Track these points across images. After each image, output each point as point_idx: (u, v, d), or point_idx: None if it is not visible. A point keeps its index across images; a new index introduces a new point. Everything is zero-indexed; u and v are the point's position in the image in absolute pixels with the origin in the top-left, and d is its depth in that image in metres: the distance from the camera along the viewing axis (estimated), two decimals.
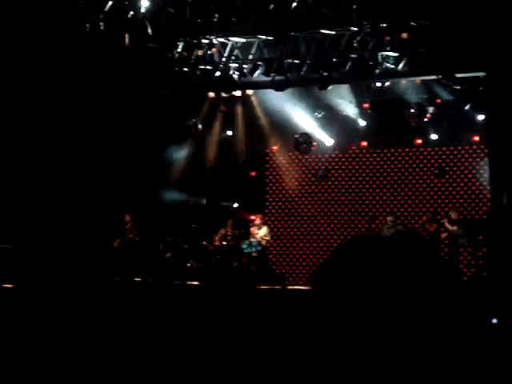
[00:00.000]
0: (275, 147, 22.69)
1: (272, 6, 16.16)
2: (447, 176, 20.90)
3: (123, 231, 19.54)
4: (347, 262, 1.37)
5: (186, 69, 17.64)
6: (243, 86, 18.44)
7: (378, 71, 16.63)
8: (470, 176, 20.74)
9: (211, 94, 20.33)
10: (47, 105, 17.51)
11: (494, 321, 16.96)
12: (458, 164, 20.91)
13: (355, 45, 16.59)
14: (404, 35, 16.14)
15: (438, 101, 19.88)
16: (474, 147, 20.76)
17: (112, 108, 18.49)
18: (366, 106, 20.74)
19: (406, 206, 21.27)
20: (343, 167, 22.11)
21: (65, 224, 17.87)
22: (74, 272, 16.03)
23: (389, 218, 19.68)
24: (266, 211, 22.40)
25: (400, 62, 16.26)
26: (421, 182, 21.23)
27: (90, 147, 18.63)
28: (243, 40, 17.43)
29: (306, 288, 18.02)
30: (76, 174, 18.65)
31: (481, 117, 19.23)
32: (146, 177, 20.68)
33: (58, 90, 17.61)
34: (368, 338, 1.30)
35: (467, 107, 17.77)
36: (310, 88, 19.56)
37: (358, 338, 1.31)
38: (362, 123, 21.19)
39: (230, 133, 22.27)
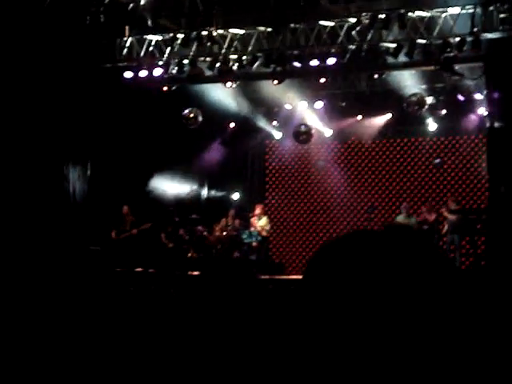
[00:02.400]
0: (275, 137, 22.78)
1: None
2: (446, 166, 20.98)
3: (121, 222, 19.43)
4: (340, 255, 1.39)
5: (185, 61, 17.69)
6: (243, 78, 18.48)
7: (376, 62, 16.72)
8: (468, 166, 20.82)
9: None
10: (43, 96, 17.49)
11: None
12: (457, 154, 20.99)
13: (354, 36, 16.66)
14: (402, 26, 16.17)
15: None
16: (473, 137, 20.83)
17: (109, 98, 18.49)
18: None
19: (404, 195, 21.35)
20: (342, 157, 22.19)
21: (61, 214, 17.89)
22: (72, 263, 16.09)
23: (403, 208, 19.68)
24: (266, 201, 22.49)
25: (398, 53, 16.31)
26: (419, 172, 21.31)
27: (89, 138, 18.65)
28: (242, 32, 17.48)
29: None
30: (73, 164, 18.68)
31: (481, 109, 19.34)
32: (145, 167, 20.68)
33: (56, 80, 17.61)
34: (360, 332, 1.32)
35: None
36: (309, 79, 19.62)
37: (350, 332, 1.33)
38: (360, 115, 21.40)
39: (232, 125, 22.32)
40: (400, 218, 19.33)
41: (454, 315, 1.36)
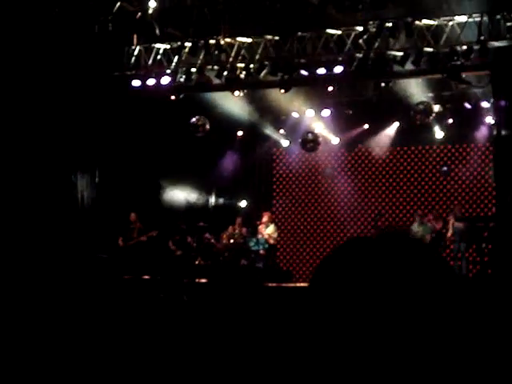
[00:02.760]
0: (283, 145, 22.84)
1: (278, 5, 16.27)
2: (453, 174, 20.98)
3: (128, 229, 19.48)
4: (345, 263, 1.42)
5: (193, 69, 17.76)
6: (250, 86, 18.54)
7: (383, 70, 16.75)
8: (475, 174, 20.82)
9: None
10: (52, 104, 17.57)
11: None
12: (464, 162, 20.99)
13: (361, 44, 16.70)
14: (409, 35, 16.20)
15: None
16: (480, 145, 20.83)
17: (118, 106, 18.58)
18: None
19: (411, 203, 21.36)
20: (349, 165, 22.22)
21: (69, 221, 17.94)
22: (80, 270, 16.13)
23: (416, 216, 19.65)
24: (273, 209, 22.52)
25: (405, 61, 16.34)
26: (426, 179, 21.32)
27: (97, 146, 18.73)
28: (250, 40, 17.54)
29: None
30: (82, 172, 18.76)
31: (488, 117, 19.37)
32: (153, 175, 20.74)
33: (65, 89, 17.69)
34: (365, 339, 1.35)
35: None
36: (316, 87, 19.67)
37: (355, 339, 1.36)
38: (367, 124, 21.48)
39: (240, 133, 22.44)
40: (414, 227, 19.30)
41: (455, 320, 1.39)
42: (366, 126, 21.60)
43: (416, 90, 19.23)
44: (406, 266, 1.40)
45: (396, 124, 21.28)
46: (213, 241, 20.26)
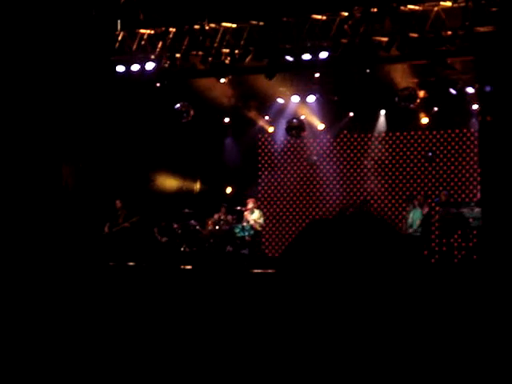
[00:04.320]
0: (268, 131, 22.80)
1: None
2: (438, 159, 21.02)
3: (114, 216, 19.45)
4: (310, 245, 1.45)
5: (177, 55, 17.67)
6: (235, 71, 18.45)
7: (369, 56, 16.71)
8: (460, 159, 20.87)
9: None
10: (35, 89, 17.44)
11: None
12: (449, 147, 21.03)
13: (346, 29, 16.64)
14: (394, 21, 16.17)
15: None
16: (465, 130, 20.88)
17: (103, 93, 18.47)
18: None
19: (396, 189, 21.39)
20: (335, 151, 22.21)
21: (54, 209, 17.85)
22: (66, 257, 16.07)
23: (415, 201, 19.70)
24: (259, 195, 22.51)
25: (391, 47, 16.31)
26: (412, 165, 21.35)
27: (81, 132, 18.62)
28: (234, 25, 17.45)
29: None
30: (66, 160, 18.65)
31: (472, 103, 19.40)
32: (138, 161, 20.67)
33: (49, 72, 17.56)
34: (331, 317, 1.36)
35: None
36: (301, 72, 19.62)
37: (321, 317, 1.36)
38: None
39: (227, 119, 22.40)
40: (408, 212, 19.32)
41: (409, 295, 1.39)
42: (351, 114, 21.61)
43: (401, 75, 19.20)
44: (363, 246, 1.42)
45: (383, 112, 21.30)
46: (198, 227, 20.23)
